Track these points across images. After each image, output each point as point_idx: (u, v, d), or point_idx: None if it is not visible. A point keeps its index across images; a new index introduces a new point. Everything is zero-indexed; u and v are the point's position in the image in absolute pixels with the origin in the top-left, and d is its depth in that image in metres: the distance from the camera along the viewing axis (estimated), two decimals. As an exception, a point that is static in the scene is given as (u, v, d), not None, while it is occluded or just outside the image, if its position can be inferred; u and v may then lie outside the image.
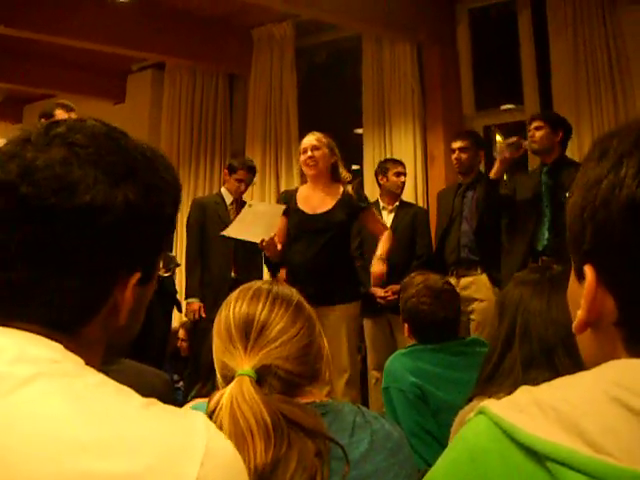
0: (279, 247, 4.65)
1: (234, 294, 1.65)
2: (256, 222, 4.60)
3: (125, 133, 0.97)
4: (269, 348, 1.52)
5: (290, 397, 1.51)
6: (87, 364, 0.88)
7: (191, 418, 0.85)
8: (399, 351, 3.18)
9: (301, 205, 4.74)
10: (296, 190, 4.90)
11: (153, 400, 0.86)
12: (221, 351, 1.57)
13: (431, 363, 3.04)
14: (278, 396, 1.49)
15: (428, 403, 2.97)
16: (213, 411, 1.46)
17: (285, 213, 4.78)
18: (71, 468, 0.75)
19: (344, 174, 4.78)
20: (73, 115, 4.80)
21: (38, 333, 0.87)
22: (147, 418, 0.82)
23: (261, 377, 1.50)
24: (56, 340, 0.87)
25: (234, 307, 1.60)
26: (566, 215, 0.88)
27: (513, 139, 5.02)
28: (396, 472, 1.52)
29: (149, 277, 0.98)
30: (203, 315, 5.56)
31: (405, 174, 5.96)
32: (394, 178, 5.88)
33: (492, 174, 5.15)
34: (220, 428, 1.41)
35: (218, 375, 1.58)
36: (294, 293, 1.67)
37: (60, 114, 4.71)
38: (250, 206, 4.83)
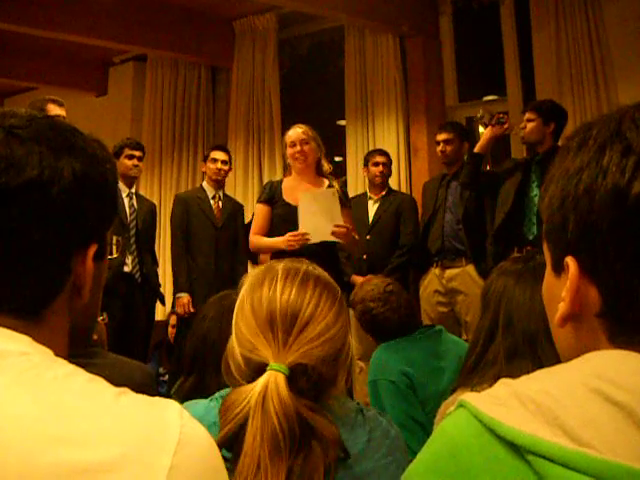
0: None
1: (279, 273, 1.54)
2: (319, 217, 4.54)
3: (55, 115, 1.00)
4: (310, 346, 1.44)
5: (314, 403, 1.44)
6: (56, 354, 0.88)
7: (164, 406, 0.84)
8: (382, 344, 3.21)
9: (286, 197, 4.74)
10: (281, 182, 4.90)
11: (125, 389, 0.85)
12: (253, 332, 1.47)
13: (418, 352, 3.08)
14: (307, 402, 1.42)
15: (417, 392, 2.99)
16: (229, 406, 1.42)
17: (269, 203, 4.78)
18: (43, 461, 0.75)
19: (326, 167, 4.80)
20: (63, 111, 4.78)
21: (4, 323, 0.87)
22: (119, 407, 0.82)
23: (293, 375, 1.42)
24: (23, 332, 0.87)
25: (282, 290, 1.49)
26: (541, 208, 0.87)
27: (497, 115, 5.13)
28: (394, 470, 1.51)
29: (103, 251, 0.99)
30: (191, 309, 5.57)
31: (385, 164, 5.95)
32: (372, 168, 5.91)
33: (476, 148, 5.21)
34: (243, 422, 1.38)
35: (237, 352, 1.48)
36: (336, 284, 1.60)
37: (53, 109, 4.68)
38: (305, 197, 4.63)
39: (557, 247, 0.85)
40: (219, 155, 5.89)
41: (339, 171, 6.71)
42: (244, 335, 1.48)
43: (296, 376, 1.42)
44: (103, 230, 0.99)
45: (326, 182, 4.76)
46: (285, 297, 1.48)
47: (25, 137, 0.90)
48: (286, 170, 4.92)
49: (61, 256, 0.91)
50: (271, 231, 4.76)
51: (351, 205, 5.02)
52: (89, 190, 0.93)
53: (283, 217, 4.72)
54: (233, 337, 1.52)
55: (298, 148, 4.67)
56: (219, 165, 5.85)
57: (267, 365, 1.43)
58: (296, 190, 4.72)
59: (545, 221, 0.87)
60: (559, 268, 0.85)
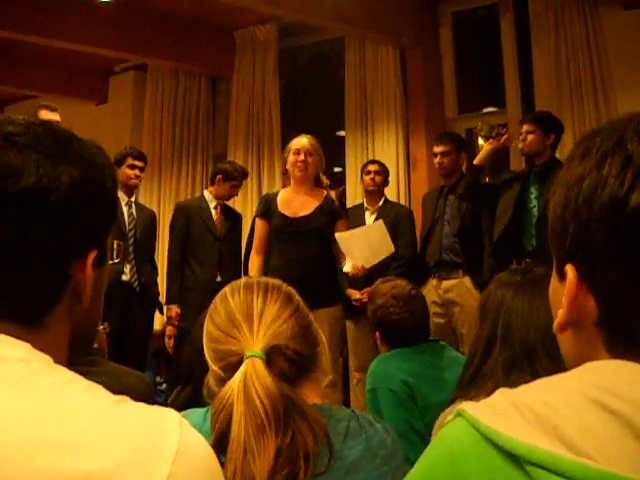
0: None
1: (226, 290, 1.66)
2: (366, 246, 4.71)
3: (52, 121, 0.99)
4: (275, 326, 1.52)
5: (296, 382, 1.51)
6: (55, 361, 0.87)
7: (163, 415, 0.84)
8: (383, 354, 3.19)
9: (282, 208, 4.75)
10: (277, 194, 4.91)
11: (124, 397, 0.85)
12: (221, 340, 1.55)
13: (419, 363, 3.06)
14: (286, 385, 1.46)
15: (416, 402, 2.98)
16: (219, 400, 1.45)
17: (265, 216, 4.80)
18: (42, 466, 0.75)
19: (324, 181, 4.82)
20: (56, 115, 4.80)
21: (3, 329, 0.87)
22: (118, 415, 0.82)
23: (270, 359, 1.48)
24: (23, 338, 0.87)
25: (232, 298, 1.61)
26: (548, 214, 0.88)
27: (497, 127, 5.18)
28: None
29: (103, 257, 0.99)
30: (175, 323, 5.59)
31: (377, 172, 5.89)
32: (365, 177, 5.91)
33: (476, 161, 5.23)
34: (230, 414, 1.41)
35: (216, 368, 1.55)
36: (282, 283, 1.68)
37: (44, 114, 4.70)
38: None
39: (558, 254, 0.85)
40: (239, 184, 5.97)
41: (338, 183, 6.72)
42: (216, 348, 1.57)
43: (273, 358, 1.49)
44: (102, 236, 0.99)
45: (324, 193, 4.77)
46: (236, 299, 1.60)
47: (22, 144, 0.89)
48: (284, 176, 4.92)
49: (60, 263, 0.91)
50: (268, 243, 4.80)
51: (347, 215, 5.03)
52: (87, 197, 0.93)
53: (278, 228, 4.75)
54: (209, 363, 1.58)
55: (302, 157, 4.67)
56: (236, 192, 6.00)
57: (243, 357, 1.48)
58: (293, 201, 4.74)
59: (549, 227, 0.87)
60: (562, 274, 0.85)
